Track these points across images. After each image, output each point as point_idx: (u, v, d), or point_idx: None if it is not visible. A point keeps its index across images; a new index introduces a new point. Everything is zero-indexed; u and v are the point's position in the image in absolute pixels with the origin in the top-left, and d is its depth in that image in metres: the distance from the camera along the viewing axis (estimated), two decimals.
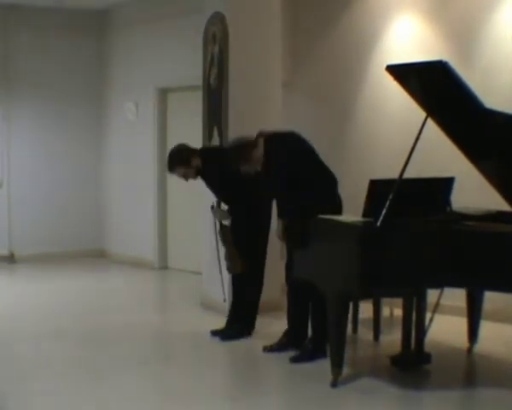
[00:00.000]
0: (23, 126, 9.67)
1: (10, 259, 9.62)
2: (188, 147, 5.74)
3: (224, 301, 5.99)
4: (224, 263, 5.82)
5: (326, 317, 4.73)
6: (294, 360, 5.14)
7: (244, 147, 5.19)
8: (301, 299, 5.28)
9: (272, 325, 5.79)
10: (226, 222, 5.76)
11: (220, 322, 5.88)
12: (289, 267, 5.22)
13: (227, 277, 5.95)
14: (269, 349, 5.37)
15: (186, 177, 5.75)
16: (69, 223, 9.90)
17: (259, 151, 5.13)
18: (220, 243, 5.86)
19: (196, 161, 5.65)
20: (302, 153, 5.21)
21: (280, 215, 5.12)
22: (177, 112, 9.14)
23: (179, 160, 5.68)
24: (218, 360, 5.45)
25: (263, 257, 5.77)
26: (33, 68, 9.62)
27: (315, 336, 5.19)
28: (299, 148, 5.23)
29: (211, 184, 5.79)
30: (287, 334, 5.40)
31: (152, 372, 5.07)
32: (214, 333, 5.81)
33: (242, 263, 5.63)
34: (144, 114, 9.38)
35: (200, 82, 6.98)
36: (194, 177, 5.73)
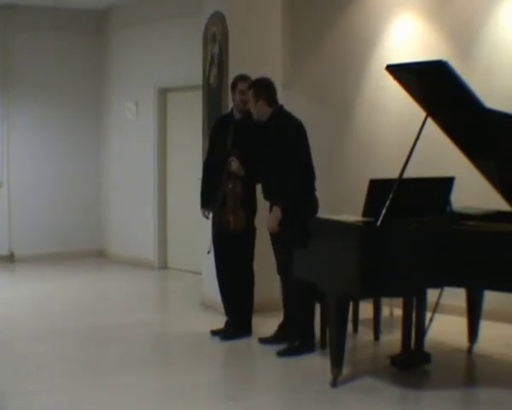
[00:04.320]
0: (23, 126, 9.67)
1: (10, 259, 9.63)
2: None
3: (208, 253, 5.91)
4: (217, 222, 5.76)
5: (312, 313, 5.03)
6: (281, 354, 5.19)
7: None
8: (302, 297, 5.30)
9: (272, 325, 5.77)
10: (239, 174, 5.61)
11: (220, 322, 5.88)
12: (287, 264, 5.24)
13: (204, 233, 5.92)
14: (263, 340, 5.46)
15: (245, 100, 5.65)
16: (69, 223, 9.90)
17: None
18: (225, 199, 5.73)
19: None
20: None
21: (278, 201, 5.19)
22: (177, 112, 9.14)
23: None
24: (218, 360, 5.45)
25: (252, 252, 5.76)
26: (33, 68, 9.62)
27: (304, 332, 5.25)
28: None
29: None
30: (281, 327, 5.48)
31: (152, 372, 5.07)
32: (214, 333, 5.81)
33: (244, 219, 5.60)
34: (144, 113, 9.39)
35: (200, 82, 6.99)
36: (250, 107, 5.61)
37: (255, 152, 5.53)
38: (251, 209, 5.70)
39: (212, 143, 5.97)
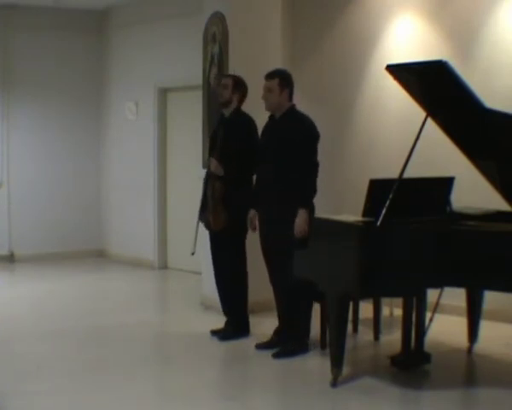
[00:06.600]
0: (23, 126, 9.67)
1: (10, 259, 9.63)
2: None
3: (192, 254, 5.86)
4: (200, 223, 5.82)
5: (310, 314, 5.11)
6: (276, 355, 5.18)
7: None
8: (297, 299, 5.29)
9: (271, 325, 5.77)
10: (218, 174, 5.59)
11: (220, 322, 5.88)
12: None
13: (202, 234, 5.95)
14: (259, 346, 5.41)
15: (222, 91, 5.73)
16: (69, 223, 9.90)
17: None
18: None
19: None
20: None
21: (305, 203, 5.08)
22: (177, 112, 9.14)
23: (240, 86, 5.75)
24: (218, 360, 5.45)
25: (244, 252, 5.74)
26: (33, 68, 9.62)
27: (299, 331, 5.24)
28: None
29: (236, 132, 5.66)
30: (277, 332, 5.44)
31: (152, 372, 5.08)
32: (214, 333, 5.81)
33: (225, 219, 5.57)
34: (144, 113, 9.39)
35: (200, 82, 6.99)
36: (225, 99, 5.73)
37: (244, 150, 5.53)
38: (235, 208, 5.58)
39: (210, 144, 6.01)
